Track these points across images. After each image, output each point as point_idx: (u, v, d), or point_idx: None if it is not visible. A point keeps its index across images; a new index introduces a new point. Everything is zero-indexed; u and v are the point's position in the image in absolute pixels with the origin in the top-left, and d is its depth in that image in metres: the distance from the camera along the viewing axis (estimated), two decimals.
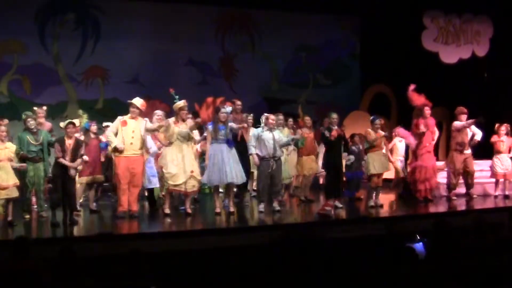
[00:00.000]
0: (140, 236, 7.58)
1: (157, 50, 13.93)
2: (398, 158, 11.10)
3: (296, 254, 4.78)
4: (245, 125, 9.25)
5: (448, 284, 4.78)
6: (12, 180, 7.98)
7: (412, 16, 12.98)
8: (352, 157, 10.19)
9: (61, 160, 7.97)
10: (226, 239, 7.43)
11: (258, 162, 8.94)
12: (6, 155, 8.00)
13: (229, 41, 14.82)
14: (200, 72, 14.47)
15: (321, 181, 11.22)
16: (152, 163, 9.35)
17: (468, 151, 10.31)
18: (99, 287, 4.99)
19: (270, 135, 8.93)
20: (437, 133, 10.47)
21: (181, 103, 8.73)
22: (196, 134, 9.42)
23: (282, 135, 9.35)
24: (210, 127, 8.71)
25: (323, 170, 9.70)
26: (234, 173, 8.67)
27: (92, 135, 9.43)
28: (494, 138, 10.67)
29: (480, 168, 10.75)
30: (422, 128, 9.90)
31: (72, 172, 8.04)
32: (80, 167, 8.60)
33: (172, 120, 8.76)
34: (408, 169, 10.58)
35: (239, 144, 9.06)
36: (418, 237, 6.36)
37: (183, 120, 8.75)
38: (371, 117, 9.87)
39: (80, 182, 9.22)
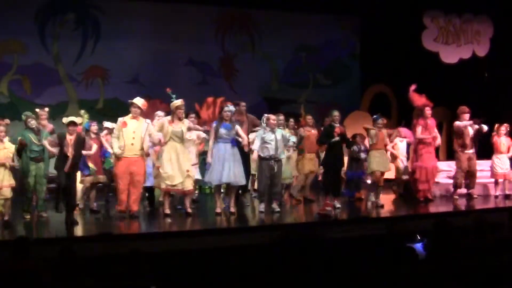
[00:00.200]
0: (140, 236, 7.57)
1: (157, 50, 13.94)
2: (399, 158, 11.09)
3: (296, 254, 4.77)
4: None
5: (448, 284, 4.77)
6: (7, 181, 7.96)
7: (412, 16, 12.98)
8: (363, 155, 10.04)
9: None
10: (226, 239, 7.42)
11: (257, 158, 8.88)
12: (4, 155, 7.98)
13: (229, 41, 14.83)
14: (200, 72, 14.48)
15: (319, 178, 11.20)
16: (149, 161, 9.30)
17: (471, 150, 10.28)
18: (99, 287, 4.98)
19: (272, 136, 8.84)
20: (439, 138, 10.37)
21: (178, 102, 8.60)
22: (194, 134, 9.35)
23: (285, 133, 9.25)
24: (213, 125, 8.68)
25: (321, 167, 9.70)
26: (233, 173, 8.61)
27: (92, 135, 9.42)
28: (494, 138, 10.67)
29: (480, 168, 10.73)
30: (418, 134, 9.93)
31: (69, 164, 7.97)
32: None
33: (167, 119, 8.65)
34: (409, 169, 10.59)
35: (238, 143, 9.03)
36: (418, 237, 6.36)
37: (180, 119, 8.62)
38: (374, 116, 9.89)
39: (84, 183, 9.23)
